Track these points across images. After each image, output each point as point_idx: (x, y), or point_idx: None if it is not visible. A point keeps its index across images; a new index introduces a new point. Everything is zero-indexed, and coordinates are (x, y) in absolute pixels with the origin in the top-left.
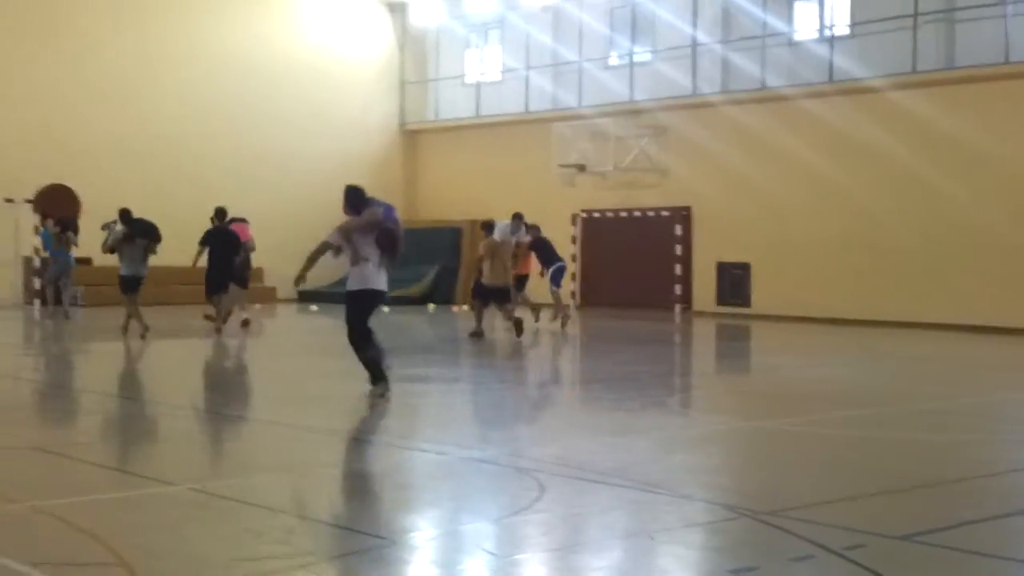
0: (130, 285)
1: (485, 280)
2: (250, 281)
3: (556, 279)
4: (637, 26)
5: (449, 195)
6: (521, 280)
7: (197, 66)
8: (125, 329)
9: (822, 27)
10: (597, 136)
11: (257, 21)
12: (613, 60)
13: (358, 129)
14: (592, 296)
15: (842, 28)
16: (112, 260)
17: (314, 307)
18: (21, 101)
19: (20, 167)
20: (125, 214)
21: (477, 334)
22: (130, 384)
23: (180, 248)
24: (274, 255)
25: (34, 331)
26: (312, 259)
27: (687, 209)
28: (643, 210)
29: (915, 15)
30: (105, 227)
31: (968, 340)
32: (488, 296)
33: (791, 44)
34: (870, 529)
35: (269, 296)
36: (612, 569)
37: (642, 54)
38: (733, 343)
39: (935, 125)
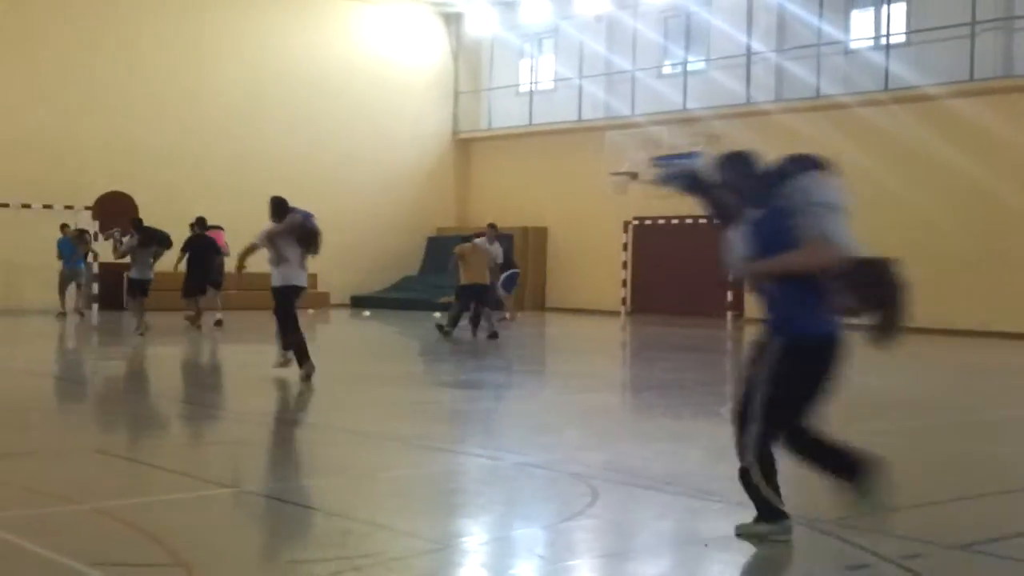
0: (140, 288)
1: (464, 280)
2: (223, 285)
3: (507, 285)
4: (691, 35)
5: (501, 203)
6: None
7: (255, 76)
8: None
9: (878, 35)
10: (650, 144)
11: (313, 31)
12: (667, 69)
13: (412, 138)
14: (644, 303)
15: (898, 36)
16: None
17: (367, 312)
18: (80, 110)
19: (79, 174)
20: (138, 223)
21: (447, 332)
22: (189, 388)
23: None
24: (329, 262)
25: (92, 336)
26: (244, 255)
27: None
28: (695, 218)
29: (972, 23)
30: (109, 235)
31: None
32: (468, 296)
33: (847, 53)
34: (928, 538)
35: (323, 301)
36: None
37: (696, 63)
38: None
39: (993, 133)
